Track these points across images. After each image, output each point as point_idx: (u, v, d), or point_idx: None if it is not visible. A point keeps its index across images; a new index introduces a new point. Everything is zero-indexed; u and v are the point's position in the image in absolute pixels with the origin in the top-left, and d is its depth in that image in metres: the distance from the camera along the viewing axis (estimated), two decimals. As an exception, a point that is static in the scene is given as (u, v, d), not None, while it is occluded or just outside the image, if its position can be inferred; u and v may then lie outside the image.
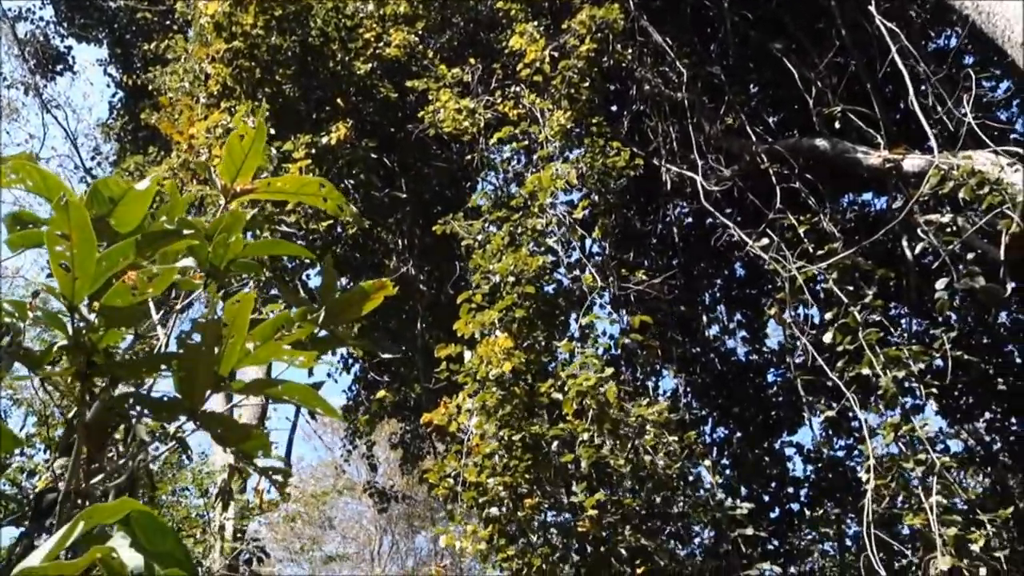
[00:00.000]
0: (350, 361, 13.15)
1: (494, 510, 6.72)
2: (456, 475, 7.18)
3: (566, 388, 6.74)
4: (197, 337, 2.13)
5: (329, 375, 13.34)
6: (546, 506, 7.05)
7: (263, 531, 14.00)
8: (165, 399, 2.22)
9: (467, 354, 7.38)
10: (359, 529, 28.54)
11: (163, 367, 2.22)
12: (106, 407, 2.18)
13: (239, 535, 10.72)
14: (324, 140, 9.61)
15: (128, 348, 2.35)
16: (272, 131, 9.29)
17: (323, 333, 2.38)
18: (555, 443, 6.70)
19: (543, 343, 7.49)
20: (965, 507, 5.71)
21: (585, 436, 6.59)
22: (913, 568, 6.06)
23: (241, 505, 9.68)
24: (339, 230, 10.78)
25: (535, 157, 8.94)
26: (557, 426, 6.67)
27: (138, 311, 2.09)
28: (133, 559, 1.28)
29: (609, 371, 6.72)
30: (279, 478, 2.61)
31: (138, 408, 2.27)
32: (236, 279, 8.79)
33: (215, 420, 2.24)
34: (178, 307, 2.62)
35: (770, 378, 10.37)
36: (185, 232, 2.20)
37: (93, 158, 17.45)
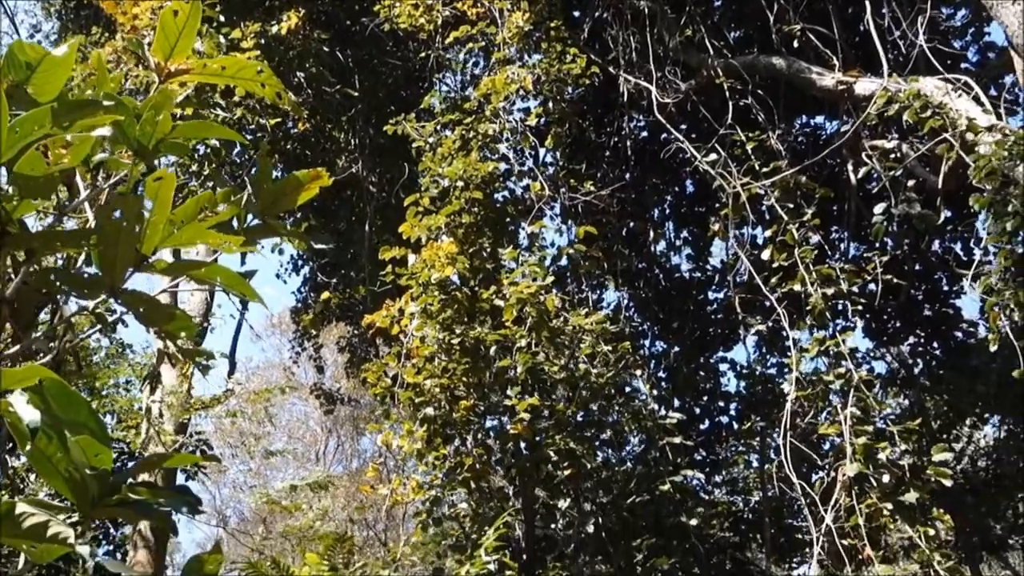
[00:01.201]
0: (299, 263, 13.07)
1: (430, 410, 6.85)
2: (395, 376, 7.27)
3: (507, 295, 6.80)
4: (118, 214, 2.09)
5: (278, 275, 13.24)
6: (481, 408, 7.20)
7: (203, 425, 14.09)
8: (85, 275, 2.18)
9: (411, 257, 7.37)
10: (305, 430, 28.92)
11: (83, 243, 2.18)
12: (24, 282, 2.14)
13: (181, 429, 10.79)
14: (275, 29, 9.28)
15: (51, 225, 2.30)
16: (221, 18, 8.93)
17: (256, 221, 2.36)
18: (493, 348, 6.80)
19: (489, 250, 7.51)
20: (879, 421, 5.99)
21: (523, 343, 6.69)
22: (824, 475, 6.36)
23: (181, 397, 9.71)
24: (289, 125, 10.53)
25: (492, 60, 8.77)
26: (496, 331, 6.74)
27: (53, 181, 2.04)
28: (29, 414, 1.28)
29: (550, 279, 6.79)
30: (203, 361, 2.62)
31: (59, 286, 2.24)
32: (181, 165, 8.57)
33: (137, 299, 2.21)
34: (107, 185, 2.56)
35: (711, 295, 10.62)
36: (106, 103, 2.13)
37: (32, 36, 16.58)
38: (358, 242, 11.40)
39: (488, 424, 7.63)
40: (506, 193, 8.36)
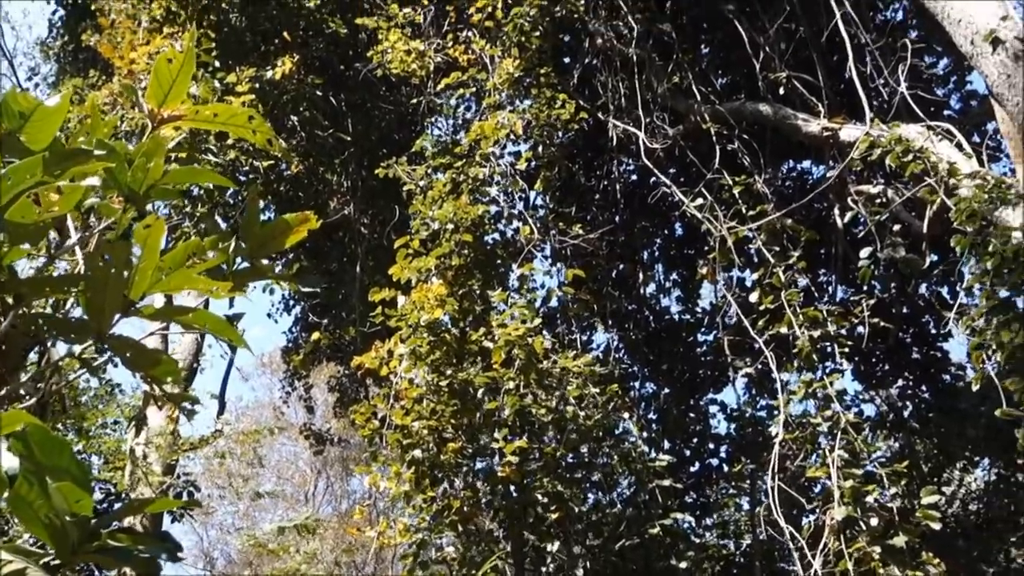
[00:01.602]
0: (291, 303, 13.09)
1: (418, 452, 6.83)
2: (383, 417, 7.26)
3: (496, 337, 6.82)
4: (107, 259, 2.12)
5: (269, 315, 13.25)
6: (470, 451, 7.18)
7: (191, 466, 13.97)
8: (73, 320, 2.20)
9: (401, 299, 7.41)
10: (294, 471, 28.66)
11: (71, 288, 2.20)
12: (12, 325, 2.16)
13: (169, 470, 10.70)
14: (269, 74, 9.40)
15: (41, 269, 2.33)
16: (216, 63, 9.06)
17: (244, 264, 2.38)
18: (481, 390, 6.81)
19: (478, 292, 7.56)
20: (868, 464, 6.00)
21: (511, 384, 6.70)
22: (813, 519, 6.34)
23: (168, 438, 9.65)
24: (282, 167, 10.62)
25: (483, 105, 8.90)
26: (485, 373, 6.75)
27: (43, 228, 2.07)
28: (8, 461, 1.30)
29: (538, 322, 6.82)
30: (188, 406, 2.63)
31: (47, 330, 2.26)
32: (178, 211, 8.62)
33: (124, 344, 2.23)
34: (97, 229, 2.59)
35: (700, 337, 10.66)
36: (98, 152, 2.17)
37: (30, 78, 16.73)
38: (349, 283, 11.42)
39: (477, 466, 7.61)
40: (496, 236, 8.43)
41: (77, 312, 2.30)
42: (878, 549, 5.51)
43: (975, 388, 5.24)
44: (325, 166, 11.07)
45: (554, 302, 8.62)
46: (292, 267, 11.26)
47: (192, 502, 9.55)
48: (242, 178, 9.44)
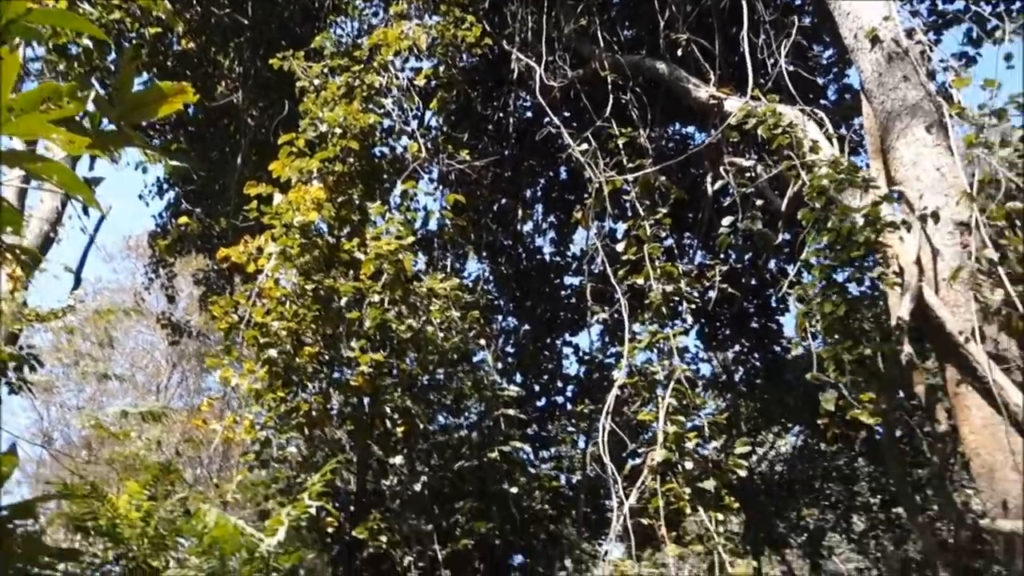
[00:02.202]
0: (164, 186, 12.56)
1: (273, 352, 6.83)
2: (243, 313, 7.20)
3: (368, 249, 6.86)
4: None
5: (141, 196, 12.66)
6: (326, 358, 7.23)
7: (37, 339, 13.40)
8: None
9: (278, 197, 7.29)
10: (149, 360, 27.82)
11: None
12: None
13: (12, 340, 10.23)
14: (167, -63, 8.85)
15: None
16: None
17: (111, 127, 2.34)
18: (345, 299, 6.85)
19: (357, 202, 7.52)
20: (695, 417, 6.46)
21: (376, 298, 6.77)
22: (638, 461, 6.78)
23: (11, 304, 9.21)
24: (170, 40, 10.10)
25: (390, 12, 8.72)
26: (351, 283, 6.79)
27: None
28: None
29: (412, 240, 6.88)
30: (27, 259, 2.59)
31: None
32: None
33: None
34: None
35: (567, 280, 11.00)
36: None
37: None
38: (228, 174, 11.06)
39: (334, 377, 7.67)
40: (384, 149, 8.38)
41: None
42: (688, 491, 5.98)
43: (796, 353, 5.72)
44: (218, 48, 10.59)
45: (432, 225, 8.69)
46: (171, 146, 10.80)
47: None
48: (127, 45, 8.95)
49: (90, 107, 2.27)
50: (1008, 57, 5.97)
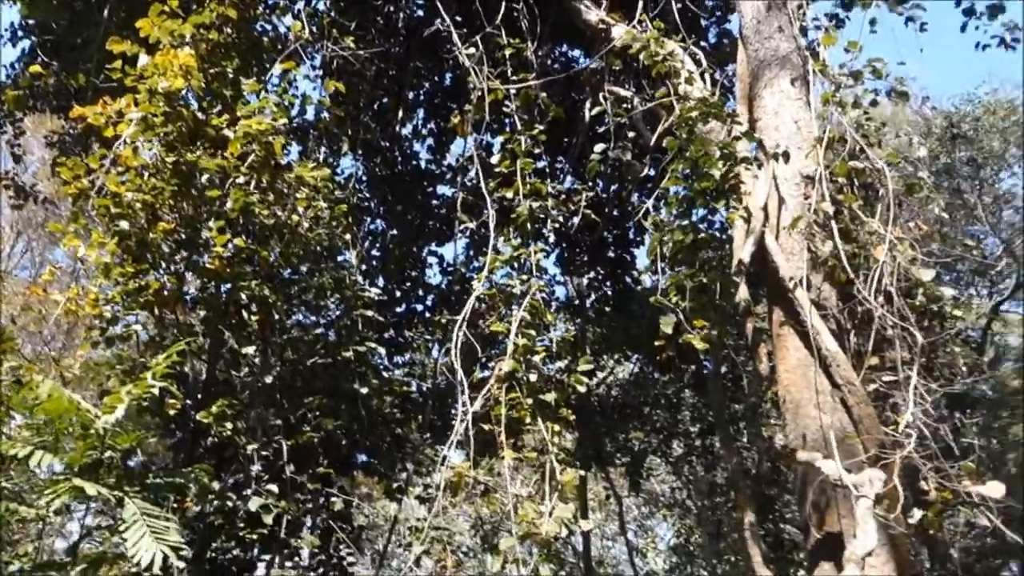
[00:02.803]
0: (20, 34, 11.48)
1: (125, 224, 6.55)
2: (97, 180, 6.83)
3: (237, 128, 6.62)
4: None
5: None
6: (183, 237, 6.99)
7: None
8: None
9: (144, 58, 6.87)
10: (-11, 223, 25.88)
11: None
12: None
13: None
14: None
15: None
16: None
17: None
18: (206, 176, 6.61)
19: (231, 76, 7.20)
20: (544, 334, 6.72)
21: (241, 179, 6.58)
22: (487, 371, 6.99)
23: None
24: None
25: None
26: (215, 160, 6.55)
27: None
28: None
29: (283, 121, 6.69)
30: None
31: None
32: None
33: None
34: None
35: (439, 190, 11.00)
36: None
37: None
38: (92, 28, 10.24)
39: (193, 259, 7.42)
40: (267, 25, 8.01)
41: None
42: (530, 401, 6.27)
43: (645, 277, 6.00)
44: None
45: (310, 114, 8.44)
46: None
47: None
48: None
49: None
50: (873, 22, 6.34)
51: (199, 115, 6.90)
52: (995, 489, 4.41)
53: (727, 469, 11.17)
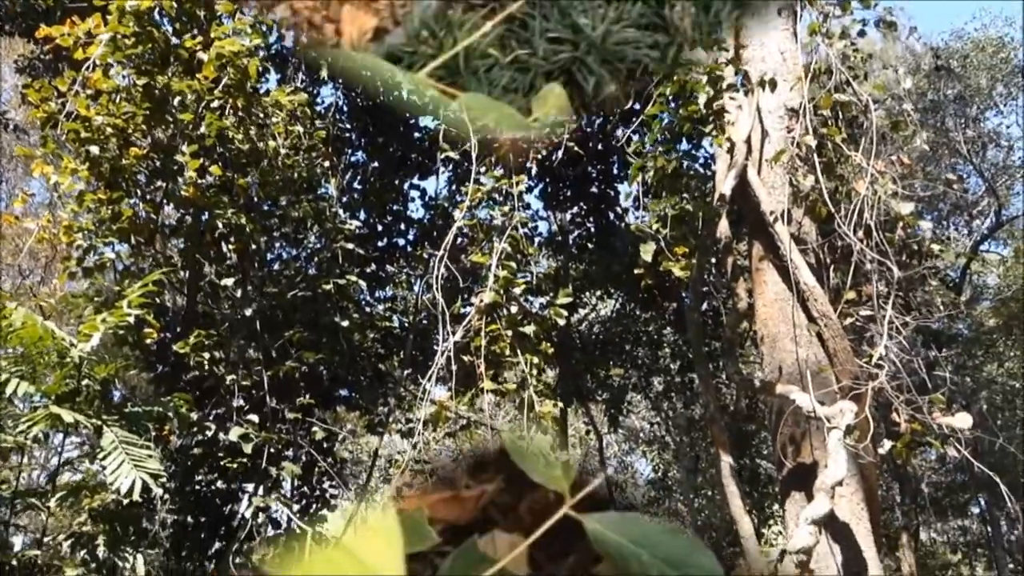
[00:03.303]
0: (-15, -48, 11.04)
1: (96, 149, 6.39)
2: (66, 104, 6.64)
3: (211, 49, 6.43)
4: None
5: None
6: (157, 165, 6.85)
7: None
8: None
9: (113, -25, 6.62)
10: (-43, 153, 25.30)
11: None
12: None
13: None
14: None
15: None
16: None
17: None
18: (179, 98, 6.44)
19: (203, -6, 6.96)
20: (526, 269, 6.68)
21: (216, 103, 6.42)
22: (468, 308, 6.97)
23: None
24: None
25: None
26: (188, 82, 6.38)
27: None
28: None
29: (258, 42, 6.50)
30: None
31: None
32: None
33: None
34: None
35: (421, 122, 10.77)
36: None
37: None
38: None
39: (164, 185, 7.27)
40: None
41: None
42: (510, 332, 6.27)
43: (625, 203, 5.95)
44: None
45: (289, 41, 8.21)
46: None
47: None
48: None
49: None
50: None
51: (172, 37, 6.69)
52: (963, 420, 4.47)
53: (705, 406, 11.33)
